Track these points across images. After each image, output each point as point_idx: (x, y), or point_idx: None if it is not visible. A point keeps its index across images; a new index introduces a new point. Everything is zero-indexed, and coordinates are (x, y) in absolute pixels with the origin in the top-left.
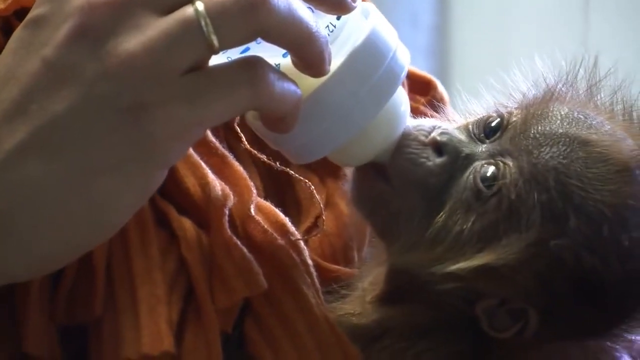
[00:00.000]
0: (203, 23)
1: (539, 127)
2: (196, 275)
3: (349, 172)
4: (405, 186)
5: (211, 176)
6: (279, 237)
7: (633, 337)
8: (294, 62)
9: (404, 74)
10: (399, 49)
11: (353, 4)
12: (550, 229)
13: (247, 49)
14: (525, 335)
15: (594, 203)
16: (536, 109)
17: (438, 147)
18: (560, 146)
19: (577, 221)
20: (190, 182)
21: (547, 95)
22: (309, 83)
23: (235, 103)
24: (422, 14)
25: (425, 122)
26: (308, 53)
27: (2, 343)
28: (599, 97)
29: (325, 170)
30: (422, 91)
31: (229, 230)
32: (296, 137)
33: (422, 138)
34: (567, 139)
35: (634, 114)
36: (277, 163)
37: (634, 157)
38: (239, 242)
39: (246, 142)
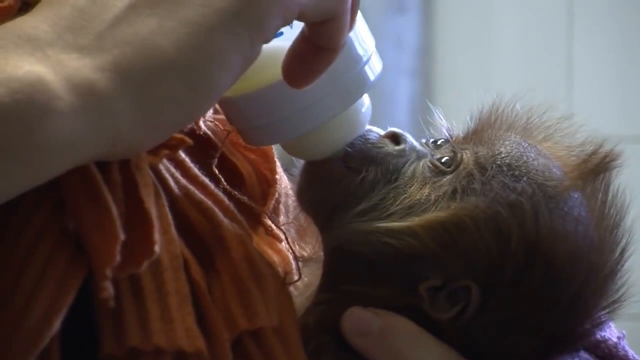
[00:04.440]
0: None
1: (491, 132)
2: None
3: (298, 166)
4: (364, 164)
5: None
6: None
7: (599, 337)
8: None
9: (374, 81)
10: (374, 57)
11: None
12: (509, 192)
13: None
14: (466, 316)
15: (550, 177)
16: (484, 129)
17: (395, 138)
18: (512, 143)
19: (536, 188)
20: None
21: (492, 121)
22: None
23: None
24: (407, 35)
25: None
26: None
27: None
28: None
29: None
30: None
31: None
32: (257, 118)
33: (380, 132)
34: (519, 141)
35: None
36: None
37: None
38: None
39: (225, 183)
